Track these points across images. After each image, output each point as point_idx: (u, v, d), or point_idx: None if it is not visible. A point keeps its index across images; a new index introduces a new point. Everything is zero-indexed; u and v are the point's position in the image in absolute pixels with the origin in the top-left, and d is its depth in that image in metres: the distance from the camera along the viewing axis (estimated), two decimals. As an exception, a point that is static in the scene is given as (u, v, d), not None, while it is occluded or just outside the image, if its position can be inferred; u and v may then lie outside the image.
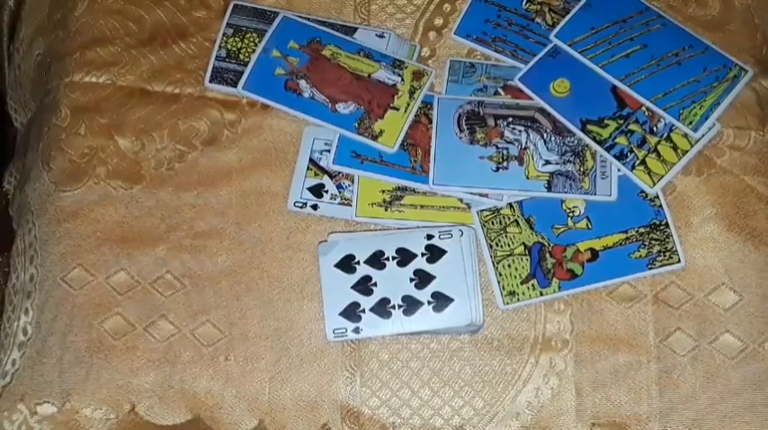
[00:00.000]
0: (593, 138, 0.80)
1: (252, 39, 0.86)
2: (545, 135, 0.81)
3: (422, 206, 0.81)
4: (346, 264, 0.77)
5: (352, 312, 0.76)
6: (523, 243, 0.79)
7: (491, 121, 0.82)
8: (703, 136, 0.80)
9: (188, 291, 0.81)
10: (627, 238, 0.78)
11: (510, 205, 0.80)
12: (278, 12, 0.87)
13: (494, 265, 0.79)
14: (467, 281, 0.76)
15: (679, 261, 0.78)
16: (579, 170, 0.80)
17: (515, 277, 0.78)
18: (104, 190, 0.83)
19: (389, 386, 0.78)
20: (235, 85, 0.84)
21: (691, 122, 0.80)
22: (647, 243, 0.78)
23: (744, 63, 0.83)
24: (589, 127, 0.81)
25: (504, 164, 0.80)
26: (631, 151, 0.80)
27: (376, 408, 0.78)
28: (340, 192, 0.82)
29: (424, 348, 0.79)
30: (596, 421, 0.77)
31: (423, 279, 0.76)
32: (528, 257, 0.79)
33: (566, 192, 0.79)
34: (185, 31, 0.88)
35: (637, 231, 0.79)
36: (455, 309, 0.76)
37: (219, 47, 0.86)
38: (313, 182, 0.82)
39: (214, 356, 0.79)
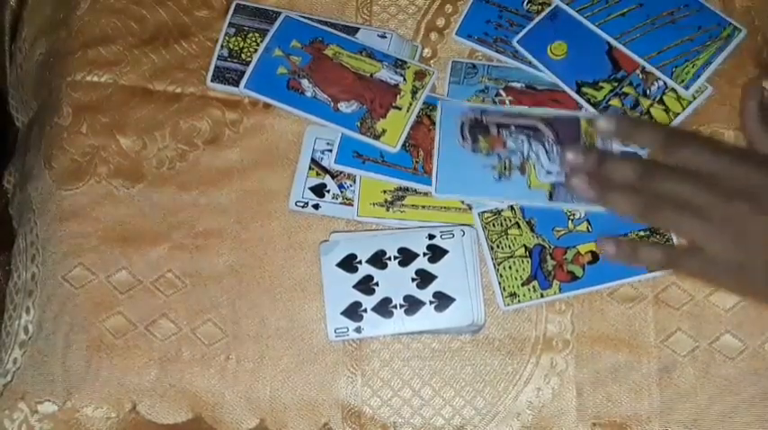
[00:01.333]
0: (588, 101, 0.82)
1: (254, 38, 0.86)
2: (547, 145, 0.81)
3: (423, 206, 0.81)
4: (348, 263, 0.77)
5: (353, 312, 0.76)
6: (524, 245, 0.79)
7: (494, 130, 0.82)
8: (695, 98, 0.82)
9: (189, 291, 0.81)
10: None
11: (511, 207, 0.80)
12: (280, 11, 0.87)
13: (495, 267, 0.79)
14: (468, 281, 0.76)
15: None
16: None
17: (516, 279, 0.78)
18: (106, 189, 0.83)
19: (390, 385, 0.78)
20: (237, 84, 0.84)
21: (682, 80, 0.81)
22: None
23: (739, 23, 0.84)
24: (584, 89, 0.82)
25: (507, 173, 0.80)
26: (624, 113, 0.81)
27: (377, 408, 0.78)
28: (341, 192, 0.82)
29: (426, 348, 0.79)
30: (597, 421, 0.77)
31: (424, 279, 0.77)
32: (529, 259, 0.79)
33: (567, 202, 0.79)
34: (187, 31, 0.88)
35: (637, 234, 0.79)
36: (457, 309, 0.76)
37: (221, 46, 0.86)
38: (314, 181, 0.82)
39: (215, 355, 0.79)
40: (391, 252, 0.77)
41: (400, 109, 0.82)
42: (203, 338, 0.79)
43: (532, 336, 0.79)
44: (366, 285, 0.77)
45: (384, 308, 0.76)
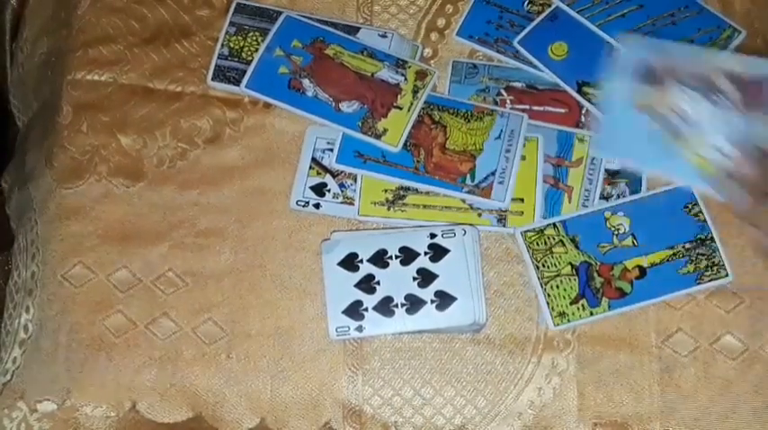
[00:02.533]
0: (589, 100, 0.82)
1: (254, 38, 0.86)
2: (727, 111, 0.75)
3: (424, 206, 0.81)
4: (349, 262, 0.77)
5: (355, 310, 0.76)
6: (570, 263, 0.79)
7: (669, 83, 0.78)
8: None
9: (190, 289, 0.80)
10: (674, 254, 0.78)
11: (554, 225, 0.80)
12: (280, 11, 0.87)
13: (542, 287, 0.78)
14: (470, 280, 0.76)
15: (727, 275, 0.77)
16: None
17: (564, 298, 0.78)
18: (106, 187, 0.83)
19: (391, 385, 0.78)
20: (237, 83, 0.84)
21: None
22: (693, 258, 0.78)
23: (739, 25, 0.85)
24: (585, 89, 0.82)
25: (674, 142, 0.77)
26: None
27: (378, 407, 0.78)
28: (342, 191, 0.82)
29: (426, 347, 0.79)
30: (598, 421, 0.77)
31: (426, 278, 0.76)
32: (575, 277, 0.78)
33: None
34: (188, 30, 0.88)
35: (683, 247, 0.78)
36: (458, 308, 0.76)
37: (222, 45, 0.86)
38: (315, 181, 0.82)
39: (216, 354, 0.79)
40: (392, 251, 0.77)
41: (401, 108, 0.82)
42: (204, 337, 0.79)
43: (534, 336, 0.79)
44: (367, 284, 0.77)
45: (385, 307, 0.76)
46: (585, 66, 0.84)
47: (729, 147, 0.73)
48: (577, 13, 0.85)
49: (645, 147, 0.80)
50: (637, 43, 0.82)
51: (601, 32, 0.84)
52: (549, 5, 0.87)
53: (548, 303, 0.78)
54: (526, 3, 0.88)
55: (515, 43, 0.85)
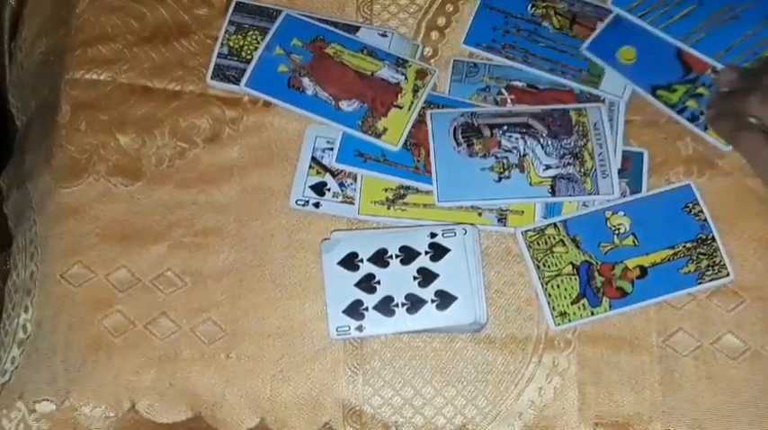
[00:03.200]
0: (665, 103, 0.82)
1: (254, 36, 0.86)
2: (542, 140, 0.81)
3: (425, 205, 0.81)
4: (349, 261, 0.77)
5: (355, 310, 0.76)
6: (571, 262, 0.79)
7: (487, 131, 0.81)
8: None
9: (189, 289, 0.80)
10: (674, 254, 0.78)
11: (554, 225, 0.79)
12: (280, 9, 0.87)
13: (543, 286, 0.78)
14: (470, 279, 0.76)
15: (728, 274, 0.77)
16: (580, 172, 0.80)
17: (565, 297, 0.78)
18: (105, 187, 0.83)
19: (392, 385, 0.78)
20: (236, 82, 0.84)
21: None
22: (695, 257, 0.77)
23: None
24: (659, 92, 0.83)
25: (506, 173, 0.80)
26: (701, 113, 0.82)
27: (378, 407, 0.78)
28: (342, 191, 0.82)
29: (427, 346, 0.79)
30: (599, 421, 0.77)
31: (426, 277, 0.76)
32: (576, 277, 0.78)
33: (569, 195, 0.79)
34: (187, 29, 0.88)
35: (684, 246, 0.78)
36: (458, 308, 0.76)
37: (221, 44, 0.86)
38: (315, 180, 0.82)
39: (215, 354, 0.78)
40: (393, 250, 0.77)
41: (401, 107, 0.82)
42: (203, 337, 0.79)
43: (534, 336, 0.78)
44: (368, 283, 0.76)
45: (386, 306, 0.76)
46: (656, 69, 0.84)
47: (555, 161, 0.80)
48: (638, 18, 0.85)
49: (484, 185, 0.80)
50: (450, 111, 0.83)
51: (665, 35, 0.84)
52: (554, 8, 0.87)
53: (548, 303, 0.78)
54: (530, 6, 0.88)
55: (583, 50, 0.85)
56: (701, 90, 0.83)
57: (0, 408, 0.78)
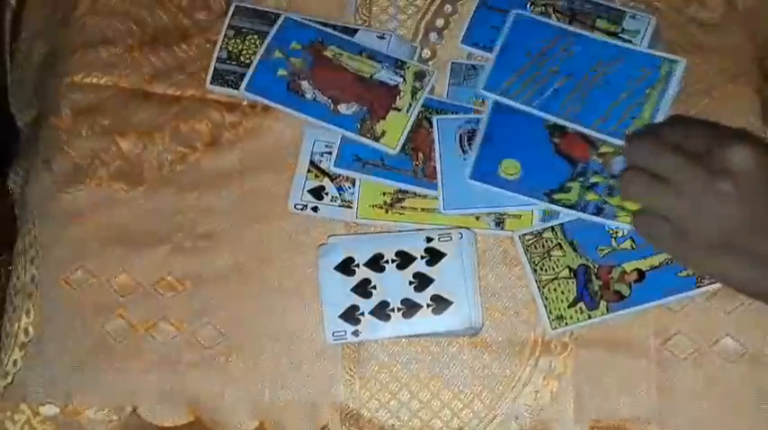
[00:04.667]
0: (564, 205, 0.78)
1: (253, 40, 0.86)
2: None
3: (423, 209, 0.81)
4: (346, 266, 0.77)
5: (351, 315, 0.76)
6: (568, 266, 0.79)
7: None
8: None
9: (189, 293, 0.81)
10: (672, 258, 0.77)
11: (552, 228, 0.79)
12: (279, 13, 0.87)
13: (539, 290, 0.78)
14: (466, 284, 0.76)
15: None
16: None
17: (562, 301, 0.78)
18: (106, 192, 0.83)
19: (389, 388, 0.78)
20: (236, 86, 0.84)
21: None
22: None
23: (672, 55, 0.81)
24: (555, 196, 0.78)
25: None
26: (605, 202, 0.78)
27: (375, 411, 0.78)
28: (340, 194, 0.82)
29: (424, 351, 0.79)
30: (596, 424, 0.77)
31: (422, 282, 0.77)
32: (574, 280, 0.78)
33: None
34: (187, 33, 0.88)
35: None
36: (454, 312, 0.76)
37: (220, 48, 0.86)
38: (313, 184, 0.82)
39: (215, 358, 0.79)
40: (389, 255, 0.77)
41: (400, 110, 0.82)
42: (203, 341, 0.80)
43: (531, 339, 0.79)
44: (364, 288, 0.77)
45: (382, 311, 0.76)
46: (543, 174, 0.79)
47: None
48: (511, 98, 0.81)
49: (490, 192, 0.79)
50: (455, 118, 0.82)
51: (539, 112, 0.80)
52: (553, 5, 0.86)
53: (545, 306, 0.78)
54: (529, 4, 0.87)
55: (468, 180, 0.80)
56: (594, 179, 0.79)
57: (4, 411, 0.79)
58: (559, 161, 0.80)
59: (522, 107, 0.81)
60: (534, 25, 0.84)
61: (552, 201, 0.78)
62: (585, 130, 0.79)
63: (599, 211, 0.78)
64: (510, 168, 0.79)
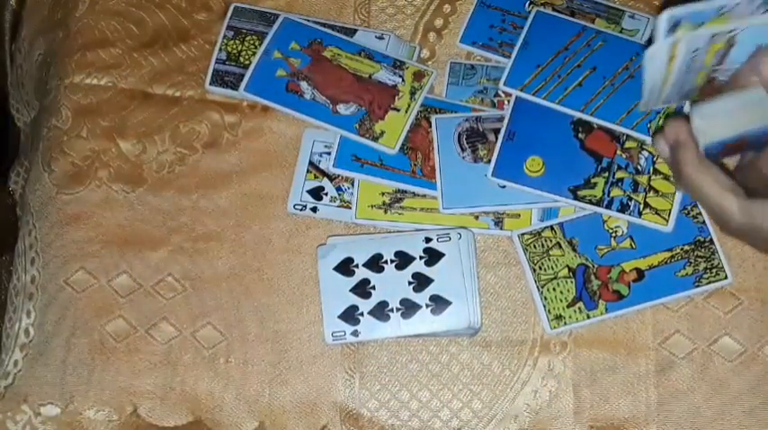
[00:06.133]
0: (590, 202, 0.78)
1: (252, 41, 0.86)
2: None
3: (421, 209, 0.81)
4: (345, 267, 0.78)
5: (350, 315, 0.77)
6: (567, 265, 0.79)
7: (491, 136, 0.81)
8: None
9: (189, 294, 0.81)
10: (672, 257, 0.77)
11: (551, 227, 0.80)
12: (278, 14, 0.87)
13: (538, 289, 0.78)
14: (465, 284, 0.77)
15: (726, 277, 0.77)
16: None
17: (561, 301, 0.78)
18: (106, 193, 0.84)
19: (388, 388, 0.79)
20: (235, 87, 0.84)
21: None
22: (692, 260, 0.77)
23: None
24: (580, 193, 0.78)
25: None
26: (630, 199, 0.78)
27: (375, 410, 0.78)
28: (339, 195, 0.82)
29: (423, 350, 0.79)
30: (594, 424, 0.77)
31: (421, 282, 0.77)
32: (573, 280, 0.78)
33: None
34: (186, 34, 0.89)
35: (681, 249, 0.78)
36: (453, 312, 0.76)
37: (220, 49, 0.86)
38: (312, 184, 0.83)
39: (215, 358, 0.80)
40: (388, 255, 0.78)
41: (399, 110, 0.82)
42: (203, 341, 0.80)
43: (530, 339, 0.79)
44: (363, 289, 0.77)
45: (381, 311, 0.77)
46: (567, 170, 0.79)
47: None
48: (533, 95, 0.81)
49: (489, 191, 0.79)
50: (454, 116, 0.82)
51: (562, 107, 0.80)
52: (552, 5, 0.86)
53: (544, 306, 0.78)
54: (527, 3, 0.87)
55: (489, 176, 0.79)
56: (619, 174, 0.79)
57: (5, 411, 0.79)
58: (585, 157, 0.80)
59: (547, 104, 0.81)
60: (556, 22, 0.85)
61: (577, 198, 0.78)
62: (612, 126, 0.79)
63: (624, 208, 0.78)
64: (534, 165, 0.79)
